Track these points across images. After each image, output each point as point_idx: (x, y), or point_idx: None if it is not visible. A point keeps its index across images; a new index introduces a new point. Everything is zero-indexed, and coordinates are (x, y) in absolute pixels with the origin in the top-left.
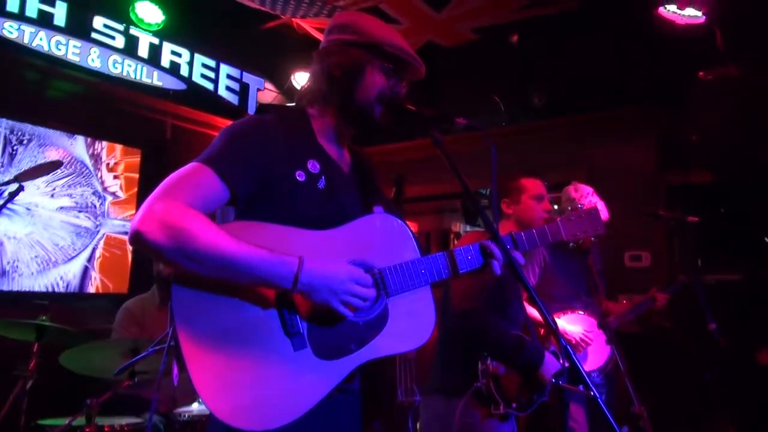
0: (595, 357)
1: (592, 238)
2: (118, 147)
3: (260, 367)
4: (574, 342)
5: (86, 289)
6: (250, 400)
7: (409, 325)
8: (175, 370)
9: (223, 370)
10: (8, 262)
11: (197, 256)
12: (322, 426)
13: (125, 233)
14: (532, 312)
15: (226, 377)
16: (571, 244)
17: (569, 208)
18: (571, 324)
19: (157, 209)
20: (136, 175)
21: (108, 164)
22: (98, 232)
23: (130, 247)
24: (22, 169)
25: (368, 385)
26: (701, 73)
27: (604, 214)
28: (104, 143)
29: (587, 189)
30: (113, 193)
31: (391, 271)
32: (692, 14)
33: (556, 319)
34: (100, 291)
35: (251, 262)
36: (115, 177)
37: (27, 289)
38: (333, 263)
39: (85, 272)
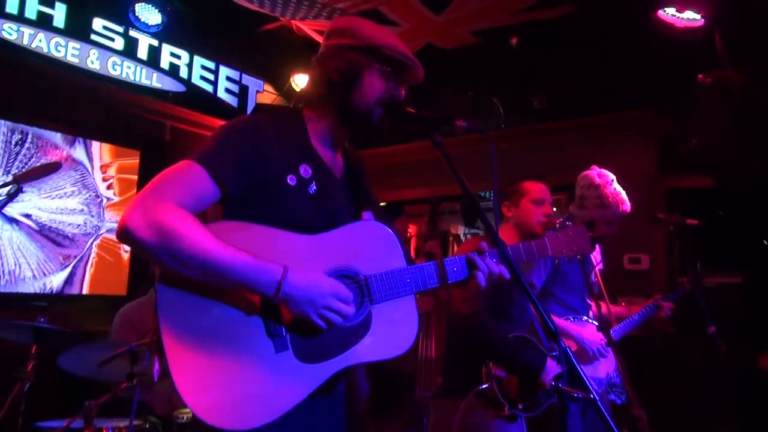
0: (604, 362)
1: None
2: (112, 148)
3: (240, 367)
4: (591, 353)
5: (84, 291)
6: (228, 399)
7: (391, 333)
8: (156, 366)
9: (203, 367)
10: (6, 265)
11: (182, 258)
12: (301, 429)
13: None
14: None
15: (205, 375)
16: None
17: (589, 195)
18: (588, 333)
19: (147, 206)
20: (133, 177)
21: (101, 166)
22: (96, 233)
23: (127, 249)
24: (22, 171)
25: (385, 386)
26: (700, 77)
27: (626, 205)
28: (98, 145)
29: (610, 176)
30: (103, 195)
31: (376, 278)
32: (691, 17)
33: (571, 326)
34: (98, 293)
35: (235, 267)
36: (106, 179)
37: (25, 292)
38: (317, 275)
39: (83, 274)
